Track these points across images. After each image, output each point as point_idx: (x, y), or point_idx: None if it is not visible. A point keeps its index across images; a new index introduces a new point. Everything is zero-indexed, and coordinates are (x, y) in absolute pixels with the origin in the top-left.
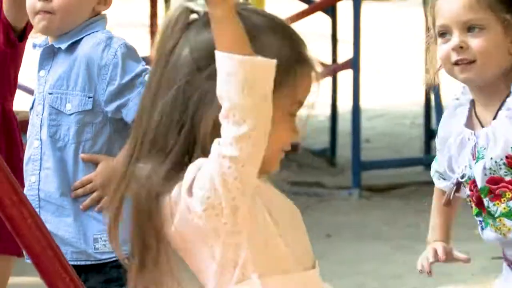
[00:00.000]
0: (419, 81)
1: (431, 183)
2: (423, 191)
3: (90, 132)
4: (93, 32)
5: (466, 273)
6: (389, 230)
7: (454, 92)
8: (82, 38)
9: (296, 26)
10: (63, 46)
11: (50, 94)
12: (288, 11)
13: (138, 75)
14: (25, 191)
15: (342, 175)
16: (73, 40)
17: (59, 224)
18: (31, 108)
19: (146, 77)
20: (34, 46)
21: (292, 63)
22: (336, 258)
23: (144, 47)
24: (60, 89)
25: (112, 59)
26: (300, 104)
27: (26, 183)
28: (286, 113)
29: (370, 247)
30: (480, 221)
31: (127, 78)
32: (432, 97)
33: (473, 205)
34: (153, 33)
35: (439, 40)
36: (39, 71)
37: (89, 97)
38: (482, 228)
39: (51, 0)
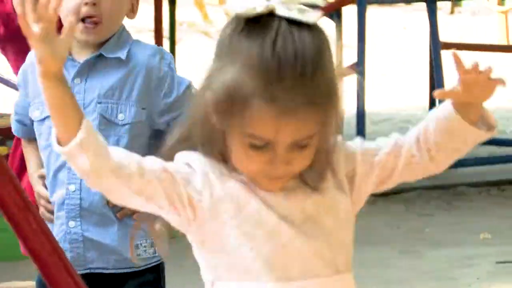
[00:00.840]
0: (423, 85)
1: (435, 188)
2: (427, 195)
3: (137, 143)
4: (135, 41)
5: (471, 277)
6: (393, 235)
7: None
8: (130, 47)
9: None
10: (122, 55)
11: (99, 103)
12: None
13: (189, 87)
14: (59, 199)
15: None
16: (127, 48)
17: (104, 233)
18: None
19: (193, 90)
20: None
21: (247, 96)
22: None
23: None
24: (112, 99)
25: (167, 70)
26: (263, 140)
27: (63, 191)
28: (241, 143)
29: (374, 251)
30: None
31: (182, 89)
32: (437, 101)
33: None
34: (158, 38)
35: None
36: (73, 79)
37: (143, 108)
38: None
39: (98, 5)
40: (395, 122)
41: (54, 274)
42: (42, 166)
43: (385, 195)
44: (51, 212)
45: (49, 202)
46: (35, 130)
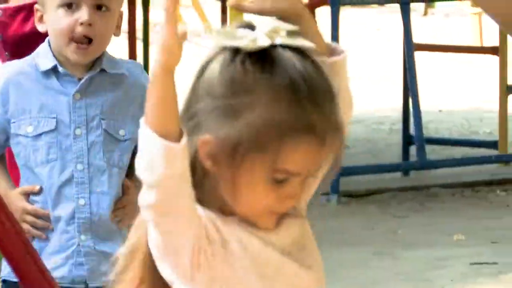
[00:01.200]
0: (396, 86)
1: (409, 189)
2: (401, 197)
3: (130, 160)
4: (121, 59)
5: (445, 279)
6: (368, 236)
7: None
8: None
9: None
10: (125, 71)
11: (103, 119)
12: None
13: None
14: (67, 213)
15: None
16: (124, 65)
17: (113, 246)
18: (53, 130)
19: None
20: (46, 71)
21: (284, 130)
22: None
23: (123, 54)
24: (113, 115)
25: None
26: (289, 173)
27: (71, 206)
28: (264, 179)
29: (348, 253)
30: None
31: None
32: (411, 103)
33: None
34: (131, 39)
35: None
36: (74, 93)
37: (137, 126)
38: None
39: (93, 25)
40: (368, 124)
41: (27, 273)
42: (12, 183)
43: (359, 196)
44: (40, 228)
45: (37, 217)
46: (21, 146)
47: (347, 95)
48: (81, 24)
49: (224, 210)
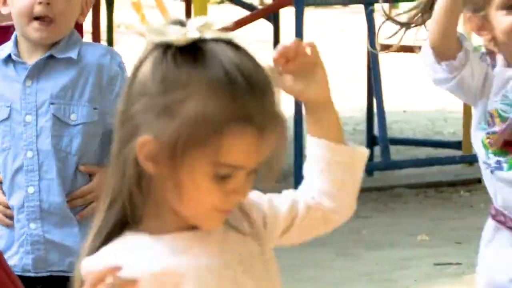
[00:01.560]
0: (360, 87)
1: (373, 189)
2: (365, 197)
3: (92, 144)
4: (85, 43)
5: (409, 279)
6: (332, 237)
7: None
8: (81, 47)
9: (240, 35)
10: (74, 55)
11: (52, 104)
12: (230, 18)
13: None
14: (18, 202)
15: (284, 182)
16: (78, 48)
17: (65, 234)
18: (6, 118)
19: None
20: (5, 59)
21: (222, 122)
22: (277, 265)
23: None
24: (64, 99)
25: (118, 70)
26: (232, 166)
27: (21, 194)
28: (207, 175)
29: (312, 253)
30: (499, 161)
31: None
32: (375, 103)
33: (497, 142)
34: (95, 40)
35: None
36: (24, 80)
37: (94, 108)
38: (500, 169)
39: (52, 5)
40: None
41: None
42: None
43: None
44: (10, 217)
45: (7, 207)
46: None
47: (351, 196)
48: (40, 3)
49: (178, 221)
